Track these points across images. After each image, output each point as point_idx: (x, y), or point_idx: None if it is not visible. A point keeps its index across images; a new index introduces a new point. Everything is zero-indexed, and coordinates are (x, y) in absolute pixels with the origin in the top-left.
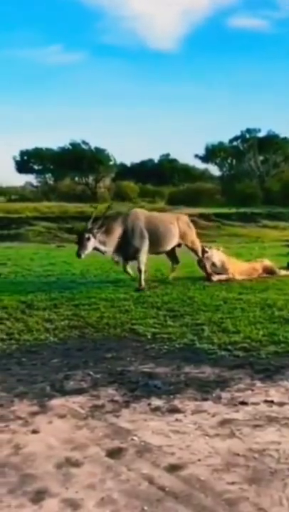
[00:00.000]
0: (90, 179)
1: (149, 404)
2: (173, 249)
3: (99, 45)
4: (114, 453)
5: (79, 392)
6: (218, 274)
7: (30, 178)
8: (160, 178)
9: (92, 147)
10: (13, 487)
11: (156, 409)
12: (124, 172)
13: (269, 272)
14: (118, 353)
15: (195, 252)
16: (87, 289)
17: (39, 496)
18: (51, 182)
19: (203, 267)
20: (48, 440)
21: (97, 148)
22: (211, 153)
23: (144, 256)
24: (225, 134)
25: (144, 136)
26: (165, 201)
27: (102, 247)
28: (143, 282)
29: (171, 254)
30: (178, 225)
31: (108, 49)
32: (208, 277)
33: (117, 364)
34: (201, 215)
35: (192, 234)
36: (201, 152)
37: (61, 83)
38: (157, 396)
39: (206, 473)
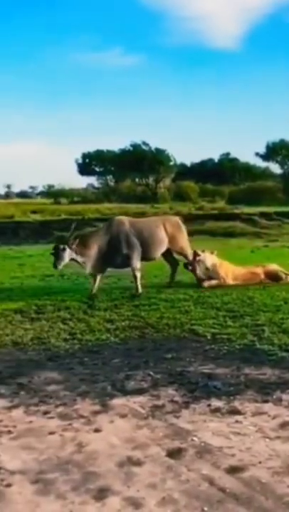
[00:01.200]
0: (150, 180)
1: (209, 406)
2: (169, 252)
3: (159, 47)
4: (174, 453)
5: (140, 392)
6: (211, 278)
7: (92, 180)
8: (220, 177)
9: (153, 148)
10: (76, 484)
11: (216, 410)
12: (185, 172)
13: (273, 277)
14: (178, 354)
15: (184, 256)
16: (146, 290)
17: (102, 494)
18: (112, 183)
19: (192, 272)
20: (110, 439)
21: (157, 149)
22: (272, 151)
23: (136, 262)
24: (286, 131)
25: (205, 135)
26: (225, 200)
27: (79, 258)
28: (140, 288)
29: (169, 258)
30: (165, 228)
31: (168, 50)
32: (198, 282)
33: (177, 364)
34: (262, 214)
35: (182, 237)
36: (262, 150)
37: (122, 85)
38: (217, 397)
39: (266, 475)
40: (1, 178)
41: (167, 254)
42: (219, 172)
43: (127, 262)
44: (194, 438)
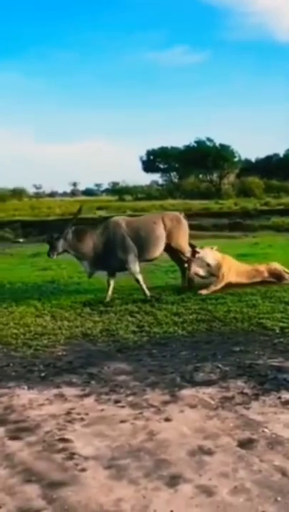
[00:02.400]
0: (214, 176)
1: (279, 398)
2: (175, 251)
3: (224, 43)
4: (245, 444)
5: (208, 383)
6: (212, 275)
7: (156, 177)
8: (286, 172)
9: (217, 144)
10: (148, 471)
11: (287, 402)
12: (249, 168)
13: (276, 276)
14: (246, 347)
15: (182, 253)
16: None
17: (174, 481)
18: (176, 180)
19: (188, 269)
20: (181, 428)
21: (222, 145)
22: None
23: (134, 266)
24: None
25: (270, 130)
26: None
27: (72, 251)
28: (147, 291)
29: (175, 256)
30: (164, 224)
31: (234, 46)
32: (188, 283)
33: (246, 357)
34: None
35: (181, 233)
36: None
37: (186, 83)
38: (287, 390)
39: None
40: (68, 176)
41: (173, 252)
42: (285, 167)
43: (123, 266)
44: (265, 429)
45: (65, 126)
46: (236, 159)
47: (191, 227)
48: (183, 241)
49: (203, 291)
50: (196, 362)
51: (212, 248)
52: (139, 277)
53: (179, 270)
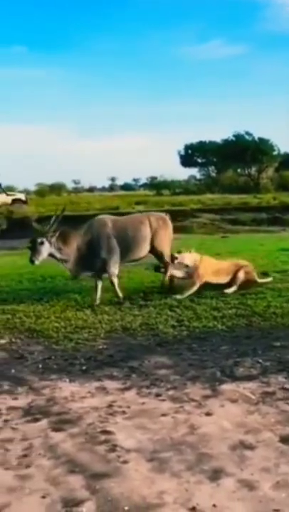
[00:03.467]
0: (253, 170)
1: None
2: (158, 253)
3: (262, 35)
4: (287, 439)
5: (249, 378)
6: (190, 277)
7: (194, 172)
8: None
9: (256, 138)
10: (190, 464)
11: None
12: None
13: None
14: (286, 342)
15: (161, 256)
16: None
17: (216, 475)
18: (214, 174)
19: (164, 273)
20: (222, 423)
21: (260, 139)
22: None
23: (114, 267)
24: None
25: None
26: None
27: (57, 255)
28: (120, 293)
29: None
30: (150, 224)
31: (272, 38)
32: (162, 286)
33: (286, 353)
34: None
35: (165, 234)
36: None
37: (224, 76)
38: None
39: None
40: (106, 171)
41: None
42: None
43: (104, 266)
44: None
45: (103, 121)
46: (275, 153)
47: (229, 221)
48: (165, 243)
49: (178, 296)
50: (236, 357)
51: (190, 252)
52: (115, 281)
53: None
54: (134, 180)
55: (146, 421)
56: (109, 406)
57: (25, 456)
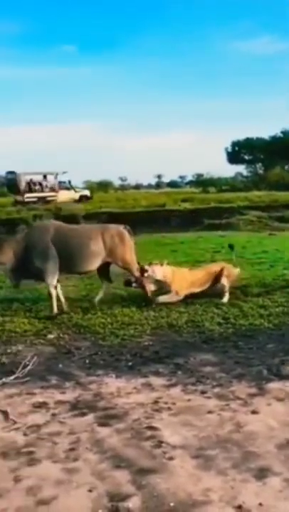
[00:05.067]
0: None
1: None
2: (105, 267)
3: None
4: None
5: None
6: (165, 292)
7: (240, 169)
8: None
9: None
10: (236, 462)
11: None
12: None
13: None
14: None
15: (129, 271)
16: None
17: (262, 473)
18: (261, 171)
19: (141, 288)
20: (268, 421)
21: None
22: None
23: (51, 278)
24: None
25: None
26: None
27: None
28: (55, 307)
29: (102, 273)
30: (102, 240)
31: None
32: (147, 299)
33: None
34: None
35: (124, 250)
36: None
37: (272, 73)
38: None
39: None
40: (152, 168)
41: (104, 270)
42: None
43: (41, 275)
44: None
45: (150, 118)
46: None
47: (276, 219)
48: (128, 257)
49: (159, 299)
50: (282, 355)
51: (161, 264)
52: (53, 292)
53: (102, 286)
54: (181, 177)
55: (192, 418)
56: (155, 402)
57: (72, 449)
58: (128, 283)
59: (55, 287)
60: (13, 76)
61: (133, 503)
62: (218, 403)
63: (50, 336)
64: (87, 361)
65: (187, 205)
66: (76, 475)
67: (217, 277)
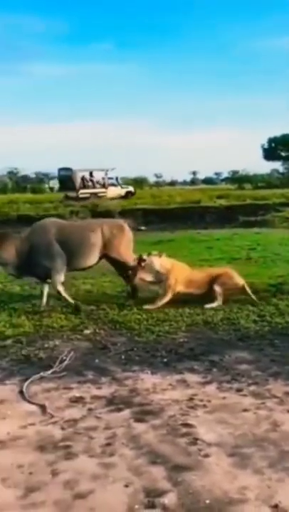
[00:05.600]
0: None
1: None
2: (118, 263)
3: None
4: None
5: None
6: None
7: (277, 165)
8: None
9: None
10: (273, 461)
11: None
12: None
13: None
14: None
15: (124, 264)
16: None
17: None
18: None
19: (130, 280)
20: None
21: None
22: None
23: (58, 275)
24: None
25: None
26: None
27: None
28: (69, 298)
29: (118, 267)
30: (102, 232)
31: None
32: (132, 292)
33: None
34: None
35: (121, 242)
36: None
37: None
38: None
39: None
40: (187, 165)
41: (114, 263)
42: None
43: (48, 274)
44: None
45: (185, 115)
46: None
47: None
48: (124, 251)
49: (149, 307)
50: None
51: (160, 256)
52: (60, 289)
53: (124, 281)
54: (216, 174)
55: (228, 416)
56: (190, 399)
57: (108, 444)
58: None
59: (62, 284)
60: (52, 74)
61: (169, 499)
62: (254, 401)
63: (87, 332)
64: (122, 357)
65: (222, 202)
66: (112, 470)
67: (212, 281)
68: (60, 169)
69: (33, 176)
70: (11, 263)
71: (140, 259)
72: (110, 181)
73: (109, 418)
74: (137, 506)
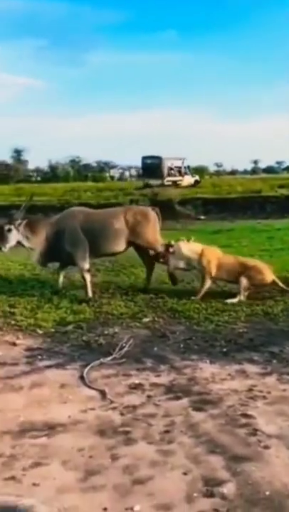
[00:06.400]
0: None
1: None
2: (143, 249)
3: None
4: None
5: None
6: (194, 268)
7: None
8: None
9: None
10: None
11: None
12: None
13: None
14: None
15: (153, 250)
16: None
17: None
18: None
19: (165, 263)
20: None
21: None
22: None
23: (83, 262)
24: None
25: None
26: None
27: (25, 243)
28: (90, 292)
29: (141, 253)
30: (125, 219)
31: None
32: (171, 280)
33: None
34: None
35: (147, 229)
36: None
37: None
38: None
39: None
40: (248, 154)
41: (139, 250)
42: None
43: (71, 261)
44: None
45: (247, 103)
46: None
47: None
48: (150, 237)
49: (195, 298)
50: None
51: (188, 240)
52: (87, 275)
53: (145, 270)
54: (278, 163)
55: (288, 408)
56: (250, 390)
57: (167, 432)
58: (157, 257)
59: (87, 271)
60: (112, 64)
61: (228, 489)
62: None
63: (146, 320)
64: (181, 345)
65: (284, 192)
66: (171, 457)
67: (241, 272)
68: (146, 157)
69: (95, 164)
70: (40, 248)
71: (167, 246)
72: (184, 170)
73: (168, 406)
74: (195, 494)
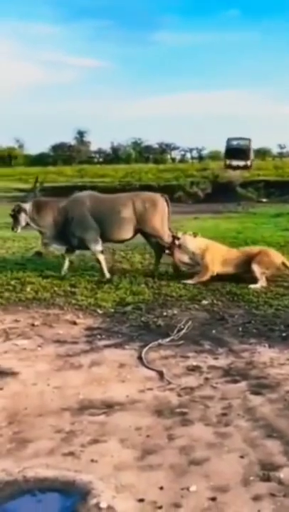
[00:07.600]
0: None
1: None
2: (152, 238)
3: None
4: None
5: None
6: (197, 264)
7: None
8: None
9: None
10: None
11: None
12: None
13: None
14: None
15: (159, 239)
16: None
17: None
18: None
19: (171, 256)
20: None
21: None
22: None
23: (94, 245)
24: None
25: None
26: None
27: (34, 225)
28: (107, 273)
29: (150, 240)
30: (133, 206)
31: None
32: (174, 269)
33: None
34: None
35: (154, 216)
36: None
37: None
38: None
39: None
40: (275, 138)
41: (147, 236)
42: None
43: (83, 244)
44: None
45: None
46: None
47: None
48: (158, 225)
49: (189, 281)
50: None
51: (195, 235)
52: (101, 257)
53: (154, 256)
54: None
55: None
56: None
57: (224, 414)
58: (162, 248)
59: (101, 252)
60: (176, 44)
61: (285, 473)
62: None
63: (205, 302)
64: (240, 329)
65: None
66: (228, 440)
67: (250, 261)
68: (232, 139)
69: (156, 146)
70: (47, 230)
71: (174, 237)
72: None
73: (226, 389)
74: (252, 478)
